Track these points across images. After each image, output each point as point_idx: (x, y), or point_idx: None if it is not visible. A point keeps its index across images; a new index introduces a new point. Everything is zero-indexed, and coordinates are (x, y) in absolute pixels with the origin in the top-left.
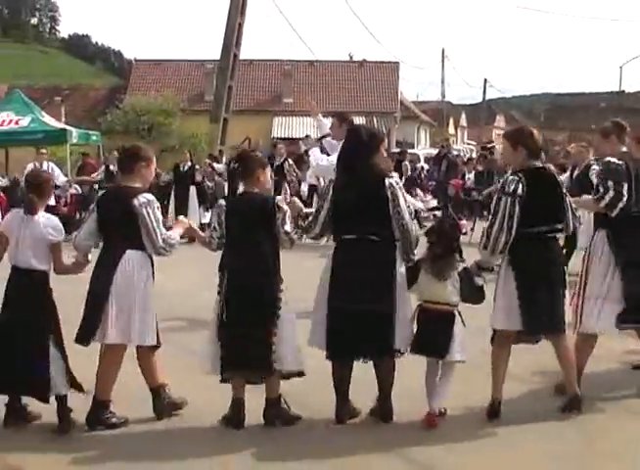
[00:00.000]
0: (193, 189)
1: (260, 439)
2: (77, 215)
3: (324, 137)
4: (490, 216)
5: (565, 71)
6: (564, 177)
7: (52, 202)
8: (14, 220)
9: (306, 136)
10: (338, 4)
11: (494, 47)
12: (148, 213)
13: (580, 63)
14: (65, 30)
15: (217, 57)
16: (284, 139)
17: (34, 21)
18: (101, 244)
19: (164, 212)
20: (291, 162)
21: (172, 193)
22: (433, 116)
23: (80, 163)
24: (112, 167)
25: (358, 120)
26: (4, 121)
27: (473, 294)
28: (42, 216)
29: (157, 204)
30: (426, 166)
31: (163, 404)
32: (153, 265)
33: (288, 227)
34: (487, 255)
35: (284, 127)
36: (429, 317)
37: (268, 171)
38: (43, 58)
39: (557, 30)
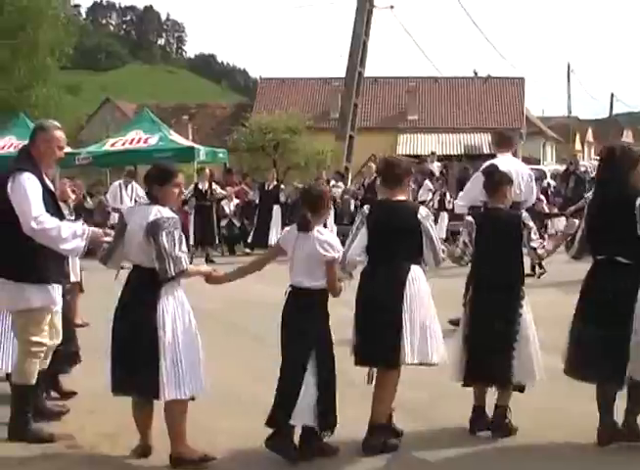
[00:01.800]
0: (277, 208)
1: None
2: None
3: None
4: None
5: None
6: None
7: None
8: (289, 237)
9: (432, 153)
10: (462, 20)
11: (621, 60)
12: (430, 226)
13: None
14: (191, 50)
15: (342, 75)
16: (409, 156)
17: (161, 41)
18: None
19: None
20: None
21: (257, 211)
22: (558, 131)
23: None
24: (200, 186)
25: (483, 137)
26: (133, 140)
27: None
28: (317, 232)
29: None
30: (552, 183)
31: None
32: None
33: (534, 243)
34: None
35: (409, 144)
36: None
37: (512, 188)
38: (170, 77)
39: None
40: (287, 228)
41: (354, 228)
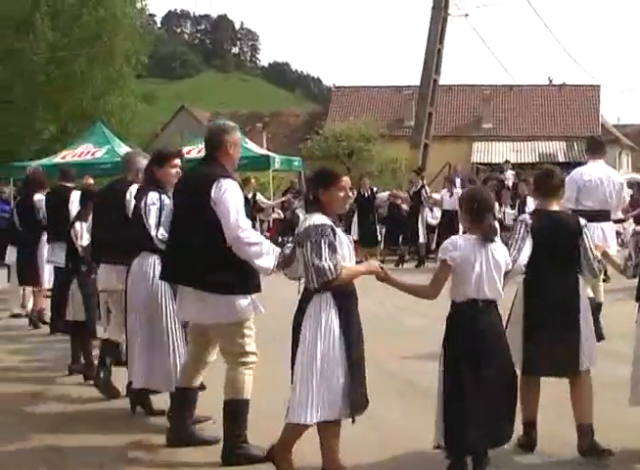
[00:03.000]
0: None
1: None
2: (279, 239)
3: None
4: None
5: None
6: None
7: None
8: (470, 248)
9: (506, 161)
10: (537, 27)
11: None
12: (588, 236)
13: None
14: (265, 59)
15: (416, 82)
16: (484, 164)
17: (235, 50)
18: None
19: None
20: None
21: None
22: (635, 139)
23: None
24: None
25: (558, 145)
26: None
27: None
28: (497, 242)
29: None
30: (630, 192)
31: None
32: None
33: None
34: None
35: (483, 153)
36: None
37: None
38: (244, 86)
39: None
40: (456, 240)
41: (518, 237)
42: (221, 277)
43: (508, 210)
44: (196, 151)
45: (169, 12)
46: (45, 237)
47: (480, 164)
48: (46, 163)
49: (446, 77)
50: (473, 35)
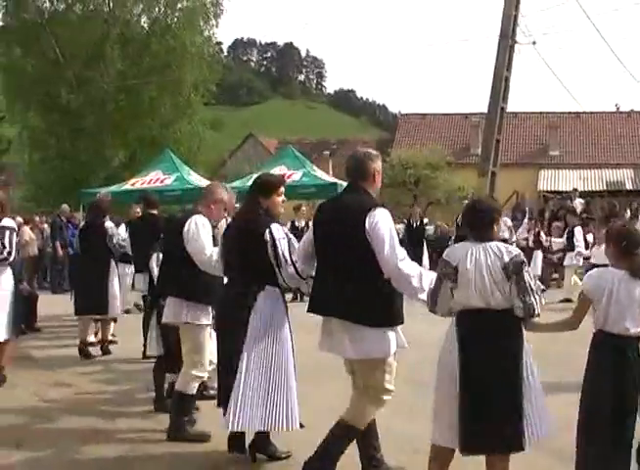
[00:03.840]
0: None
1: None
2: None
3: None
4: None
5: None
6: None
7: None
8: (608, 280)
9: (574, 190)
10: (604, 54)
11: None
12: None
13: None
14: (330, 86)
15: (483, 109)
16: (550, 192)
17: (301, 77)
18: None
19: None
20: None
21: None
22: None
23: None
24: (296, 223)
25: (626, 173)
26: None
27: None
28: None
29: None
30: None
31: None
32: None
33: None
34: None
35: (550, 180)
36: None
37: None
38: (310, 113)
39: None
40: (597, 273)
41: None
42: (374, 309)
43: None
44: None
45: (236, 40)
46: (112, 264)
47: (547, 191)
48: (115, 189)
49: (513, 104)
50: (539, 62)
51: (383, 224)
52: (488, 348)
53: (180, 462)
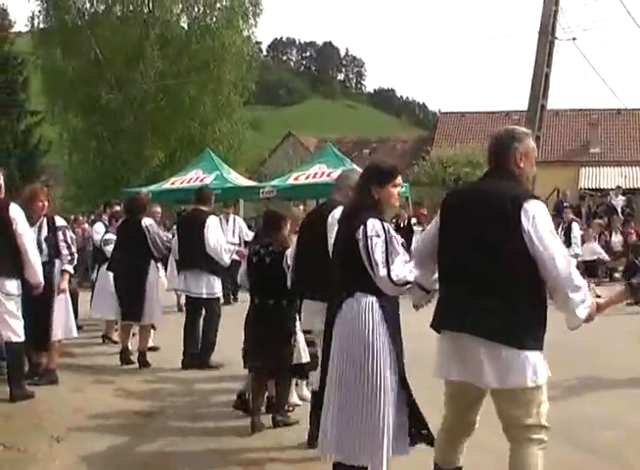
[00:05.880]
0: None
1: None
2: None
3: None
4: None
5: None
6: None
7: None
8: None
9: (617, 187)
10: None
11: None
12: None
13: None
14: (370, 85)
15: (523, 107)
16: (592, 190)
17: (341, 76)
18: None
19: None
20: None
21: None
22: None
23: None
24: None
25: None
26: (316, 174)
27: None
28: None
29: None
30: None
31: None
32: None
33: None
34: None
35: (591, 178)
36: None
37: None
38: (350, 112)
39: None
40: None
41: None
42: (526, 326)
43: (618, 237)
44: (304, 177)
45: (275, 39)
46: (152, 264)
47: (588, 189)
48: (155, 189)
49: (553, 102)
50: (580, 59)
51: (544, 220)
52: None
53: (218, 458)
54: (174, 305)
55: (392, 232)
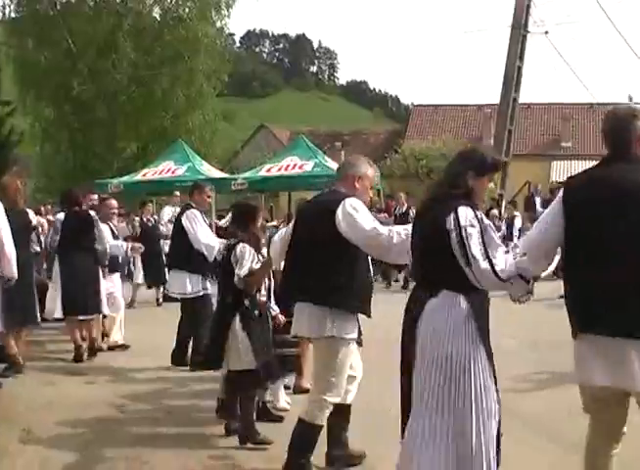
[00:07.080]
0: None
1: None
2: None
3: None
4: None
5: None
6: None
7: None
8: None
9: None
10: (617, 44)
11: None
12: None
13: None
14: (343, 77)
15: (495, 100)
16: (563, 183)
17: (314, 68)
18: None
19: None
20: None
21: None
22: None
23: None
24: None
25: None
26: (289, 166)
27: None
28: None
29: None
30: None
31: None
32: None
33: None
34: None
35: (562, 172)
36: None
37: None
38: (323, 104)
39: None
40: None
41: None
42: None
43: None
44: (276, 169)
45: (248, 31)
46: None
47: (560, 183)
48: (127, 180)
49: (525, 95)
50: (552, 53)
51: None
52: None
53: (190, 447)
54: (154, 301)
55: (486, 221)
